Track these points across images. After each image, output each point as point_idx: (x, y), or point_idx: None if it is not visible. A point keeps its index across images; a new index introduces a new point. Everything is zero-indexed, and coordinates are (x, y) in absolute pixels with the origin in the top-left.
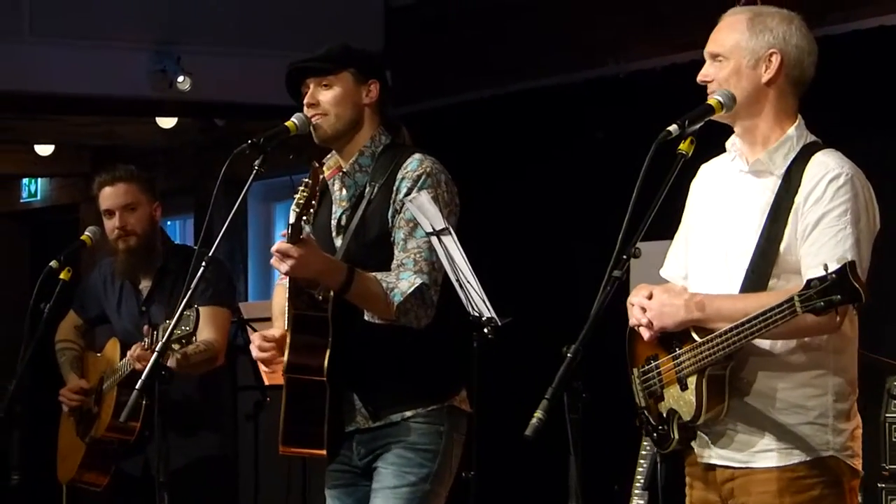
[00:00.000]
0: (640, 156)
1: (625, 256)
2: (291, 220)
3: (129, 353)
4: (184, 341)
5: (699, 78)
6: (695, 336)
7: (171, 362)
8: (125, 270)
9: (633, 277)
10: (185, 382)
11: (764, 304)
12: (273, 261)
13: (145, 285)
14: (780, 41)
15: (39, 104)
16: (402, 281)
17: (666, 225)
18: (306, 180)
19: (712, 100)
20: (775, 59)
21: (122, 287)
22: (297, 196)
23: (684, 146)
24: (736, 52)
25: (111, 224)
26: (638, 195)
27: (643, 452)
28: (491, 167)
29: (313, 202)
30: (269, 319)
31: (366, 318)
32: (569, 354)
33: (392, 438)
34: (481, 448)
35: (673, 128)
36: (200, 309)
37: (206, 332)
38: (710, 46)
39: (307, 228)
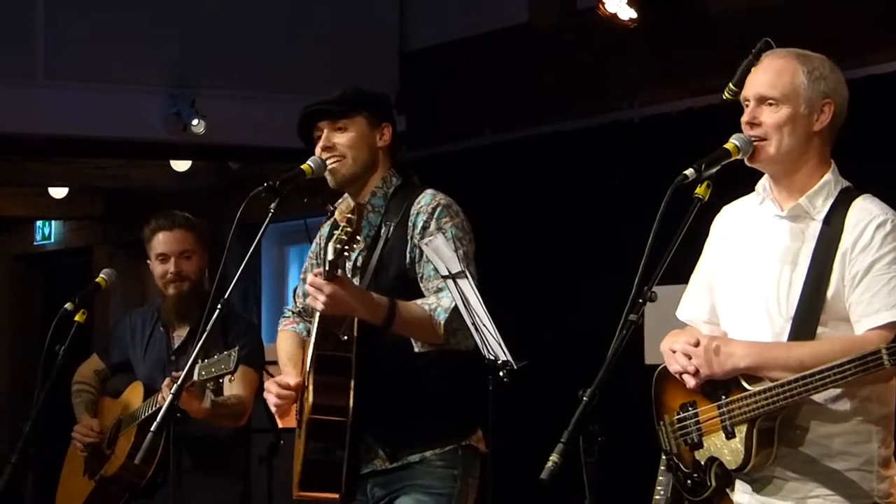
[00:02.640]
0: (656, 199)
1: (641, 300)
2: (330, 256)
3: (165, 383)
4: (221, 381)
5: (745, 119)
6: (746, 385)
7: (205, 403)
8: (173, 313)
9: (648, 321)
10: (199, 425)
11: (818, 352)
12: (309, 299)
13: (179, 334)
14: (833, 91)
15: (53, 147)
16: (444, 299)
17: (682, 269)
18: (350, 216)
19: (729, 144)
20: (828, 110)
21: (151, 335)
22: (338, 232)
23: (701, 190)
24: (793, 99)
25: (163, 268)
26: (654, 239)
27: (657, 498)
28: (506, 212)
29: (357, 237)
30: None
31: (416, 349)
32: (584, 398)
33: (407, 482)
34: (497, 490)
35: (689, 172)
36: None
37: (237, 388)
38: (762, 89)
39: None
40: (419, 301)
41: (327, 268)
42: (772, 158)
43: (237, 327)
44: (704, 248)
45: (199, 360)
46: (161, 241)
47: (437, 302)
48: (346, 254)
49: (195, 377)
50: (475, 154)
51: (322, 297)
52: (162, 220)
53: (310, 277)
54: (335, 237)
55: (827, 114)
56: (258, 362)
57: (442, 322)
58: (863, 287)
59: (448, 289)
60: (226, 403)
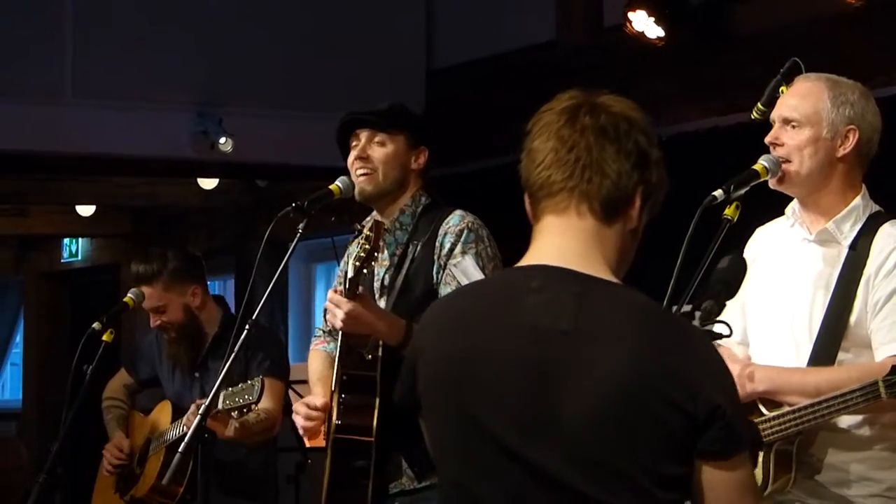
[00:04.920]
0: (683, 219)
1: None
2: (350, 273)
3: (190, 411)
4: (245, 410)
5: (768, 139)
6: (763, 409)
7: (229, 431)
8: (173, 356)
9: None
10: (229, 447)
11: (835, 379)
12: (329, 316)
13: (190, 361)
14: (859, 117)
15: (81, 165)
16: None
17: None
18: (368, 234)
19: (758, 165)
20: (853, 136)
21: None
22: (356, 249)
23: (730, 211)
24: (815, 121)
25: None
26: (683, 260)
27: None
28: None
29: (376, 254)
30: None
31: None
32: None
33: (434, 502)
34: None
35: (718, 193)
36: (264, 380)
37: (264, 402)
38: (786, 111)
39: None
40: None
41: (347, 285)
42: (793, 180)
43: (258, 339)
44: None
45: (224, 388)
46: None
47: None
48: (364, 271)
49: (219, 406)
50: (501, 172)
51: (341, 315)
52: (132, 272)
53: (329, 294)
54: (354, 254)
55: (851, 140)
56: (282, 372)
57: None
58: (884, 314)
59: None
60: (255, 421)
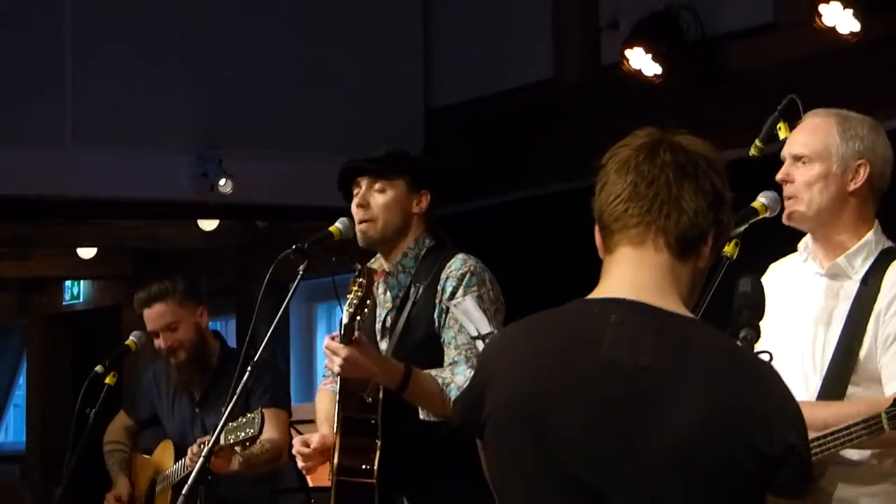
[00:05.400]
0: None
1: None
2: (344, 320)
3: (190, 451)
4: (248, 444)
5: (779, 176)
6: None
7: (234, 465)
8: (180, 383)
9: None
10: (230, 485)
11: (844, 413)
12: (326, 362)
13: (199, 388)
14: (870, 151)
15: (82, 209)
16: (458, 376)
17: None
18: (360, 280)
19: (757, 203)
20: (863, 171)
21: (175, 389)
22: (350, 296)
23: (729, 248)
24: (825, 157)
25: (158, 342)
26: None
27: None
28: (533, 268)
29: (367, 301)
30: (312, 422)
31: (421, 416)
32: None
33: None
34: None
35: None
36: (263, 412)
37: (268, 433)
38: (795, 148)
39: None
40: (434, 372)
41: (342, 332)
42: (803, 216)
43: (257, 373)
44: None
45: (224, 422)
46: (147, 319)
47: (451, 377)
48: (358, 318)
49: (222, 442)
50: (500, 211)
51: (338, 360)
52: (141, 295)
53: (326, 341)
54: (348, 301)
55: (862, 174)
56: (284, 402)
57: (451, 398)
58: (893, 350)
59: (468, 357)
60: (259, 453)
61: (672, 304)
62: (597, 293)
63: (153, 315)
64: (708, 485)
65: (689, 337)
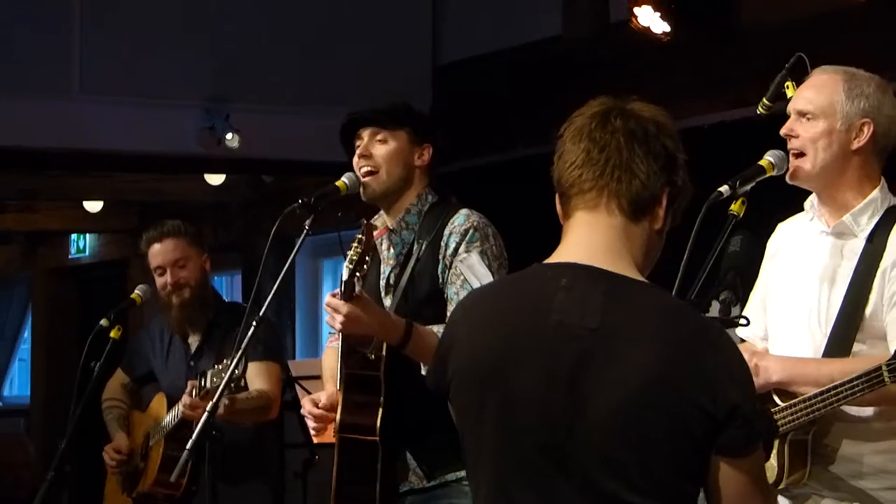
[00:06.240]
0: (689, 215)
1: None
2: (344, 276)
3: (181, 401)
4: (233, 386)
5: (783, 131)
6: (777, 400)
7: (220, 410)
8: (179, 323)
9: None
10: (235, 433)
11: (849, 370)
12: (327, 318)
13: (194, 340)
14: (875, 110)
15: (88, 161)
16: None
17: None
18: (360, 237)
19: (764, 161)
20: (867, 129)
21: (170, 343)
22: (350, 252)
23: (735, 207)
24: (829, 114)
25: (163, 280)
26: (689, 257)
27: None
28: (540, 224)
29: (367, 258)
30: (317, 377)
31: (423, 370)
32: None
33: (445, 500)
34: None
35: (724, 188)
36: (252, 364)
37: (258, 383)
38: (800, 104)
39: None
40: (436, 328)
41: (342, 288)
42: (808, 174)
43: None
44: (762, 266)
45: (213, 367)
46: (154, 254)
47: None
48: (358, 274)
49: (207, 385)
50: (508, 167)
51: (339, 318)
52: (152, 232)
53: (327, 297)
54: (348, 257)
55: (866, 133)
56: (276, 355)
57: None
58: None
59: None
60: (244, 399)
61: (623, 266)
62: (553, 258)
63: (164, 249)
64: (654, 443)
65: (636, 298)
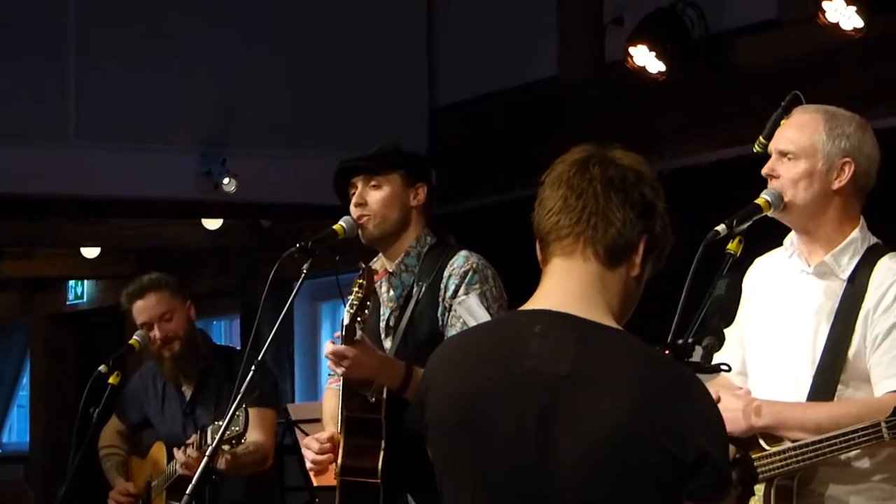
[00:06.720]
0: (686, 253)
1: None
2: (346, 321)
3: (176, 458)
4: (234, 442)
5: (765, 171)
6: (764, 444)
7: (220, 464)
8: (173, 374)
9: None
10: (233, 484)
11: (836, 414)
12: (329, 364)
13: (188, 387)
14: (855, 150)
15: (86, 208)
16: None
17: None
18: (360, 281)
19: (760, 199)
20: (848, 169)
21: (164, 390)
22: (350, 297)
23: (732, 246)
24: (810, 154)
25: (152, 335)
26: (687, 296)
27: None
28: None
29: (368, 303)
30: (317, 420)
31: None
32: None
33: None
34: None
35: (721, 227)
36: (248, 410)
37: (254, 434)
38: (782, 144)
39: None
40: None
41: (344, 333)
42: (788, 212)
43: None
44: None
45: (212, 422)
46: (139, 311)
47: None
48: (359, 319)
49: (209, 440)
50: (507, 208)
51: (344, 362)
52: (132, 288)
53: (327, 345)
54: (349, 302)
55: (847, 172)
56: (272, 400)
57: None
58: (883, 349)
59: None
60: (243, 453)
61: (598, 313)
62: (528, 304)
63: (147, 305)
64: (625, 489)
65: (609, 345)
